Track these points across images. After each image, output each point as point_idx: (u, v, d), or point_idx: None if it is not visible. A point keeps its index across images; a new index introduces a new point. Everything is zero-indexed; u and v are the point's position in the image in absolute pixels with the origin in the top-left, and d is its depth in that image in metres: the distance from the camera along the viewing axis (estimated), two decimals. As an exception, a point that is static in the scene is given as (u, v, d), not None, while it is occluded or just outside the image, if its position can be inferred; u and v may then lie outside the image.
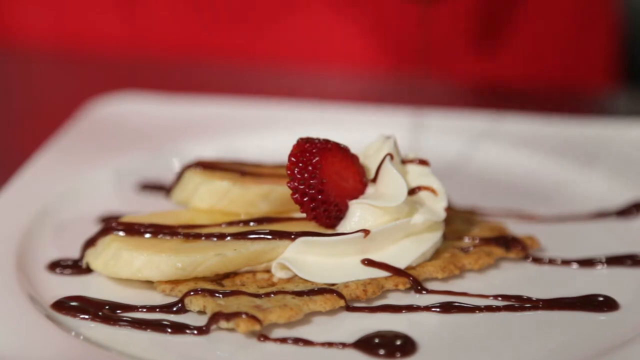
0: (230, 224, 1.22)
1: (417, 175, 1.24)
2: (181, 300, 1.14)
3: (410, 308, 1.15)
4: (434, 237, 1.21)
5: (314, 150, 1.18)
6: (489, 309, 1.15)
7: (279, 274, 1.18)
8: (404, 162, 1.25)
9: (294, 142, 1.19)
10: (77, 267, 1.21)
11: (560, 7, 2.14)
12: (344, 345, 1.08)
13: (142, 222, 1.20)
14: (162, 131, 1.61)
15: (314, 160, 1.17)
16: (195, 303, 1.13)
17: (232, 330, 1.09)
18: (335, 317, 1.13)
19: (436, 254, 1.22)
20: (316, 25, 2.12)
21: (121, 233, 1.18)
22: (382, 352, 1.06)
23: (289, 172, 1.18)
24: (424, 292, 1.18)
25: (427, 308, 1.15)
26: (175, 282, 1.16)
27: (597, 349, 1.07)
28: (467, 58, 2.12)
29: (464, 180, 1.49)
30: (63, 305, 1.13)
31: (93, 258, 1.18)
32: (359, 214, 1.19)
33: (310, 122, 1.58)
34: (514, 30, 2.12)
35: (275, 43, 2.15)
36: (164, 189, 1.40)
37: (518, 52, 2.13)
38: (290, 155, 1.18)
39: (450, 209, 1.25)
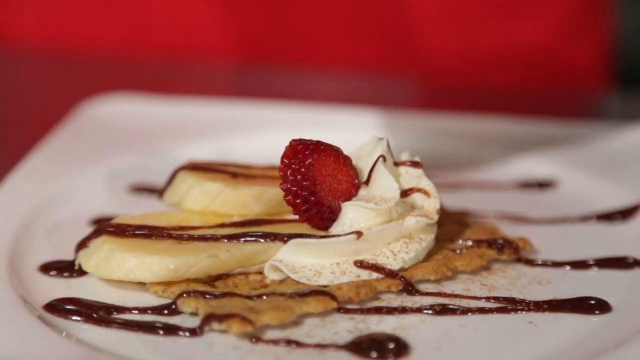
0: (223, 225, 1.22)
1: (409, 177, 1.24)
2: (174, 302, 1.13)
3: (402, 310, 1.15)
4: (426, 239, 1.21)
5: (306, 152, 1.18)
6: (481, 310, 1.15)
7: (271, 276, 1.18)
8: (396, 163, 1.25)
9: (287, 143, 1.19)
10: (70, 268, 1.21)
11: (554, 9, 2.14)
12: (336, 347, 1.08)
13: (135, 224, 1.20)
14: (154, 132, 1.61)
15: (307, 162, 1.17)
16: (187, 304, 1.12)
17: (224, 331, 1.09)
18: (327, 318, 1.13)
19: (429, 255, 1.22)
20: (309, 26, 2.12)
21: (113, 234, 1.18)
22: (374, 354, 1.06)
23: (281, 173, 1.18)
24: (416, 293, 1.18)
25: (419, 310, 1.15)
26: (167, 284, 1.16)
27: (589, 351, 1.07)
28: (461, 60, 2.12)
29: (457, 181, 1.49)
30: (55, 307, 1.13)
31: (85, 259, 1.18)
32: (351, 215, 1.19)
33: (303, 124, 1.58)
34: (509, 32, 2.12)
35: (267, 44, 2.15)
36: (157, 191, 1.39)
37: (512, 54, 2.13)
38: (283, 156, 1.18)
39: (442, 211, 1.25)
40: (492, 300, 1.17)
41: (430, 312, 1.14)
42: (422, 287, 1.19)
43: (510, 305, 1.16)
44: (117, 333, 1.10)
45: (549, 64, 2.15)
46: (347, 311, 1.14)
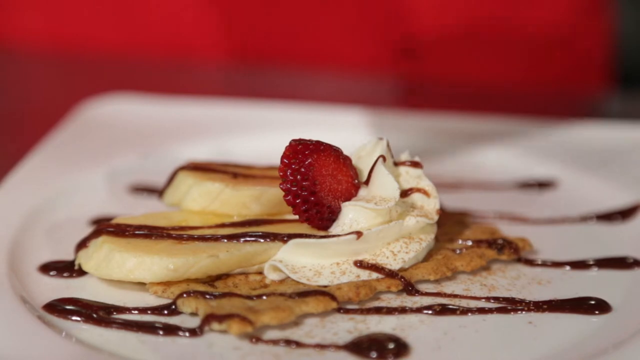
0: (223, 225, 1.22)
1: (409, 177, 1.24)
2: (173, 302, 1.13)
3: (402, 310, 1.15)
4: (426, 239, 1.21)
5: (306, 152, 1.18)
6: (481, 311, 1.15)
7: (271, 276, 1.18)
8: (396, 164, 1.25)
9: (287, 143, 1.19)
10: (69, 268, 1.21)
11: (555, 10, 2.14)
12: (336, 347, 1.08)
13: (134, 224, 1.20)
14: (154, 133, 1.61)
15: (307, 162, 1.17)
16: (187, 305, 1.12)
17: (224, 332, 1.09)
18: (327, 319, 1.13)
19: (428, 255, 1.22)
20: (309, 27, 2.12)
21: (113, 234, 1.18)
22: (374, 354, 1.06)
23: (281, 173, 1.18)
24: (416, 294, 1.18)
25: (419, 310, 1.15)
26: (167, 284, 1.16)
27: (589, 351, 1.07)
28: (462, 60, 2.13)
29: (457, 182, 1.49)
30: (55, 307, 1.13)
31: (85, 259, 1.18)
32: (351, 215, 1.19)
33: (303, 124, 1.57)
34: (509, 33, 2.12)
35: (267, 44, 2.15)
36: (157, 191, 1.39)
37: (513, 54, 2.13)
38: (283, 156, 1.18)
39: (442, 211, 1.25)
40: (492, 301, 1.17)
41: (430, 312, 1.14)
42: (422, 287, 1.19)
43: (510, 305, 1.16)
44: (116, 333, 1.10)
45: (549, 64, 2.15)
46: (347, 311, 1.14)
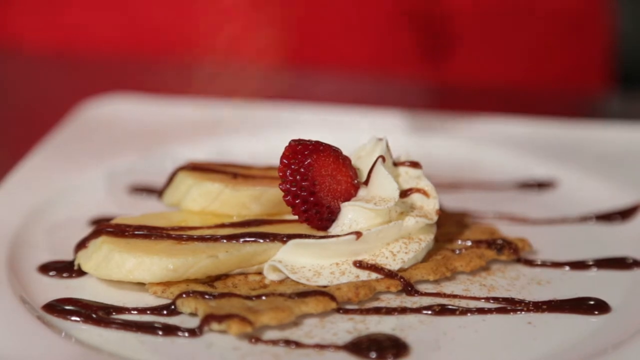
0: (222, 226, 1.22)
1: (409, 177, 1.24)
2: (173, 302, 1.14)
3: (402, 310, 1.15)
4: (425, 239, 1.21)
5: (305, 152, 1.18)
6: (480, 311, 1.15)
7: (270, 276, 1.18)
8: (396, 164, 1.25)
9: (286, 143, 1.19)
10: (69, 269, 1.21)
11: (555, 10, 2.14)
12: (335, 347, 1.08)
13: (134, 224, 1.20)
14: (154, 133, 1.61)
15: (306, 162, 1.17)
16: (187, 305, 1.12)
17: (223, 332, 1.09)
18: (326, 319, 1.13)
19: (428, 256, 1.22)
20: (309, 27, 2.12)
21: (113, 235, 1.18)
22: (373, 354, 1.06)
23: (280, 174, 1.18)
24: (415, 294, 1.18)
25: (418, 310, 1.15)
26: (167, 284, 1.16)
27: (588, 351, 1.07)
28: (462, 60, 2.13)
29: (456, 182, 1.49)
30: (54, 307, 1.13)
31: (85, 260, 1.18)
32: (350, 216, 1.19)
33: (302, 124, 1.58)
34: (510, 33, 2.12)
35: (266, 44, 2.15)
36: (156, 191, 1.39)
37: (513, 54, 2.13)
38: (282, 157, 1.18)
39: (442, 211, 1.25)
40: (492, 301, 1.17)
41: (429, 312, 1.14)
42: (422, 287, 1.19)
43: (509, 305, 1.16)
44: (116, 333, 1.10)
45: (549, 64, 2.15)
46: (347, 311, 1.14)
